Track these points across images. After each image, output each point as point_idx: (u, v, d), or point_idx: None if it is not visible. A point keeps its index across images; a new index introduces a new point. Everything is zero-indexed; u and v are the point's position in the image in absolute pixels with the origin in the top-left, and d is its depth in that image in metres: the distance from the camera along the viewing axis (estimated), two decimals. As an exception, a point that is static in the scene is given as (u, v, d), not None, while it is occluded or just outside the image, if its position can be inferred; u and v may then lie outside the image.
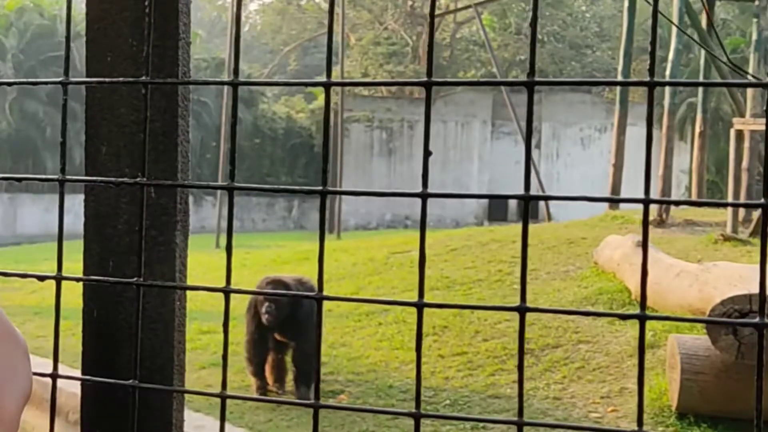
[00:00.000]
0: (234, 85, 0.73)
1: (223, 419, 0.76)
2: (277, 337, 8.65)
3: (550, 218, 24.43)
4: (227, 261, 0.73)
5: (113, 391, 0.86)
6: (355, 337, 10.19)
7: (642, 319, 0.67)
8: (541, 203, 27.94)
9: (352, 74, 39.36)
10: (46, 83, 0.79)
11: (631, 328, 9.61)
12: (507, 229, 16.49)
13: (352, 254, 15.86)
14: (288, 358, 8.75)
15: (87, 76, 0.84)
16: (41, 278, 0.82)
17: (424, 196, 0.70)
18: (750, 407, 0.60)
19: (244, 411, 8.19)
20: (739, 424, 7.15)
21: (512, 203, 35.72)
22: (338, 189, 0.68)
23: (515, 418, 0.71)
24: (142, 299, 0.75)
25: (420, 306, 0.69)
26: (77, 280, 0.79)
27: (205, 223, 33.94)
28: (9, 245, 23.76)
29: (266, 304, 8.35)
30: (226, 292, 0.72)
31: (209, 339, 10.69)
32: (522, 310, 0.66)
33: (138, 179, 0.73)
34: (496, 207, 35.97)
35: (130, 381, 0.74)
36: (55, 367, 0.75)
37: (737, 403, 6.93)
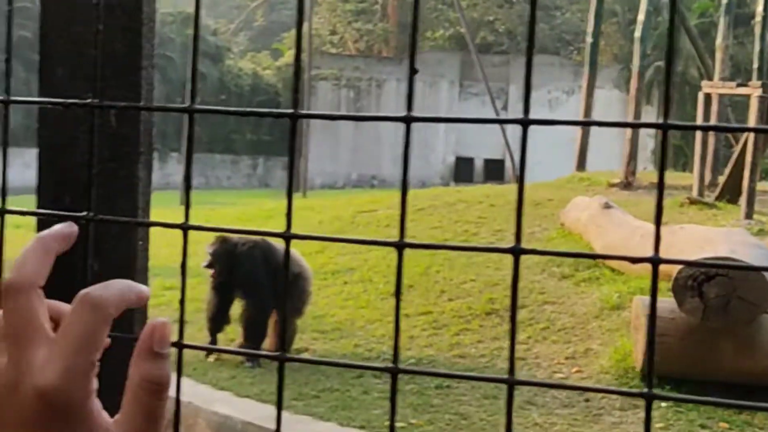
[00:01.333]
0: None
1: (179, 371, 0.69)
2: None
3: (516, 179, 24.46)
4: (185, 196, 0.65)
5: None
6: (321, 296, 10.13)
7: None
8: (508, 164, 27.96)
9: (320, 32, 39.07)
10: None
11: (597, 290, 9.62)
12: (473, 190, 16.48)
13: (318, 213, 15.78)
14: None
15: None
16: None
17: (408, 120, 0.63)
18: (713, 369, 0.54)
19: (207, 368, 8.13)
20: (703, 385, 7.19)
21: (478, 163, 35.75)
22: (307, 112, 0.60)
23: (506, 376, 0.65)
24: (99, 238, 0.68)
25: (400, 246, 0.62)
26: (23, 213, 0.72)
27: (169, 179, 33.70)
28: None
29: (208, 258, 8.35)
30: (185, 228, 0.65)
31: (172, 295, 10.59)
32: (517, 252, 0.60)
33: (89, 101, 0.65)
34: (462, 168, 35.99)
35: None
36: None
37: (701, 365, 6.97)
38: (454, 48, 38.30)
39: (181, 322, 0.71)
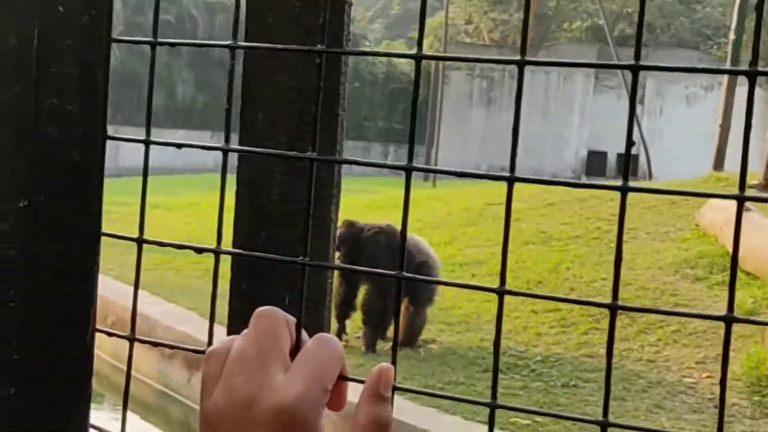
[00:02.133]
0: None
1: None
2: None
3: (651, 176, 24.00)
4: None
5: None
6: (448, 288, 10.17)
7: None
8: (642, 159, 27.44)
9: (456, 21, 38.96)
10: (214, 46, 0.76)
11: (731, 294, 9.41)
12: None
13: (447, 203, 15.81)
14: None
15: (246, 39, 0.80)
16: (199, 251, 0.79)
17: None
18: None
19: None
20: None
21: (611, 158, 35.20)
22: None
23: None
24: (306, 279, 0.72)
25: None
26: (234, 254, 0.76)
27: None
28: (111, 177, 24.21)
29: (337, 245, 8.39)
30: (401, 278, 0.68)
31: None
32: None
33: (309, 153, 0.69)
34: (594, 162, 35.51)
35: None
36: (210, 341, 0.73)
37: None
38: (591, 40, 37.73)
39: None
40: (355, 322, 8.90)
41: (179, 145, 0.77)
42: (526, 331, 9.06)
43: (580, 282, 10.17)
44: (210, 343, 0.75)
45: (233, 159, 0.81)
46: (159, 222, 15.04)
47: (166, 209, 17.25)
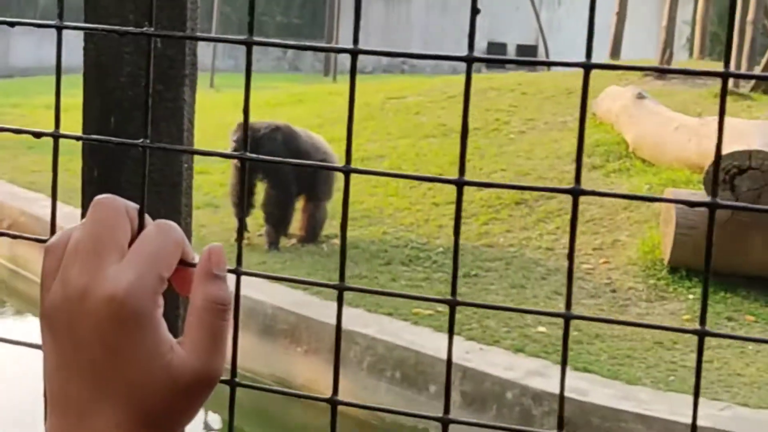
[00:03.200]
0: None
1: (237, 298, 0.71)
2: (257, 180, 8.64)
3: (549, 66, 24.12)
4: (245, 119, 0.65)
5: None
6: (350, 182, 10.15)
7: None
8: (541, 48, 27.58)
9: None
10: None
11: (627, 181, 9.59)
12: (505, 77, 16.29)
13: (347, 97, 15.69)
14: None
15: None
16: (37, 135, 0.74)
17: (470, 60, 0.62)
18: (742, 262, 0.54)
19: (228, 250, 8.21)
20: (731, 279, 7.21)
21: (510, 49, 35.27)
22: (368, 49, 0.60)
23: (562, 311, 0.65)
24: (136, 160, 0.68)
25: (460, 183, 0.62)
26: (77, 138, 0.72)
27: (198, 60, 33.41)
28: (1, 78, 23.46)
29: (231, 144, 8.25)
30: (245, 158, 0.65)
31: (202, 179, 10.65)
32: (576, 192, 0.60)
33: (145, 29, 0.64)
34: (495, 52, 35.52)
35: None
36: (52, 232, 0.69)
37: (730, 259, 6.97)
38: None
39: (239, 250, 0.72)
40: (256, 220, 8.85)
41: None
42: (427, 224, 9.13)
43: (480, 174, 10.25)
44: (52, 235, 0.72)
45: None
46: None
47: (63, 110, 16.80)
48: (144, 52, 0.65)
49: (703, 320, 0.62)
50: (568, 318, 0.66)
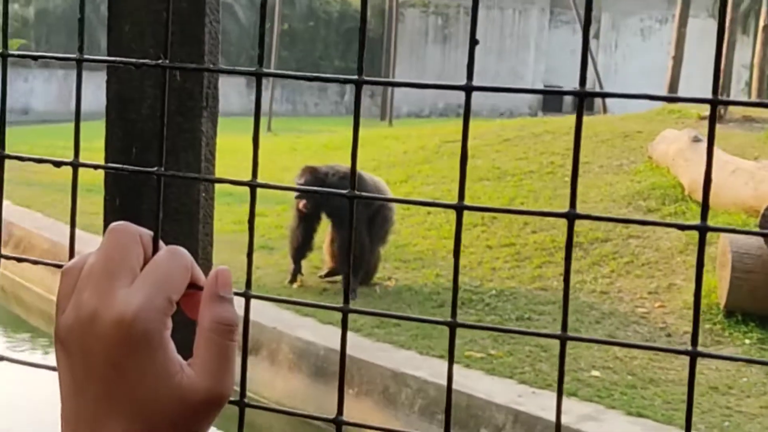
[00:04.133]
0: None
1: (247, 320, 0.73)
2: (330, 226, 8.67)
3: (605, 110, 24.06)
4: (254, 153, 0.68)
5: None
6: (404, 225, 10.19)
7: (702, 230, 0.62)
8: (597, 95, 27.49)
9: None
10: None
11: (683, 225, 9.50)
12: (561, 121, 16.27)
13: (404, 142, 15.78)
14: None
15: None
16: (57, 164, 0.78)
17: (469, 89, 0.64)
18: None
19: (290, 294, 8.27)
20: (788, 324, 7.10)
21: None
22: (373, 79, 0.62)
23: (558, 332, 0.67)
24: (163, 190, 0.71)
25: (459, 208, 0.64)
26: (95, 167, 0.75)
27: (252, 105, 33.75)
28: (64, 122, 23.89)
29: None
30: (252, 186, 0.67)
31: (258, 222, 10.75)
32: (571, 216, 0.61)
33: (160, 61, 0.67)
34: (550, 98, 35.49)
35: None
36: (71, 257, 0.72)
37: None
38: (546, -26, 37.56)
39: (249, 275, 0.75)
40: (310, 262, 8.91)
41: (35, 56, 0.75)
42: (480, 267, 9.11)
43: (534, 216, 10.22)
44: (70, 259, 0.74)
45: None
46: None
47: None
48: (163, 84, 0.68)
49: (695, 341, 0.63)
50: (564, 339, 0.68)
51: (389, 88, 28.95)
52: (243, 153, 13.58)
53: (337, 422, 0.72)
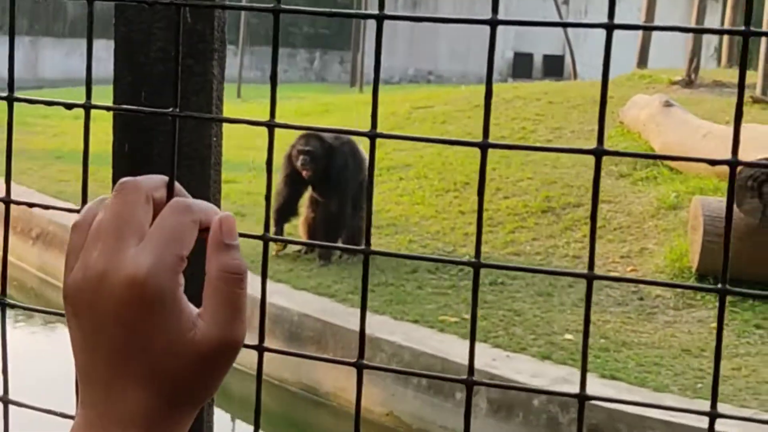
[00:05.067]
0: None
1: (264, 265, 0.72)
2: (312, 193, 8.59)
3: (576, 76, 24.11)
4: (272, 92, 0.66)
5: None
6: (376, 191, 10.17)
7: (589, 278, 0.61)
8: (568, 59, 27.54)
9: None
10: None
11: (654, 190, 9.55)
12: (532, 86, 16.29)
13: (374, 108, 15.72)
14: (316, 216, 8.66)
15: None
16: (69, 106, 0.76)
17: (494, 23, 0.63)
18: None
19: (254, 259, 8.23)
20: (760, 287, 7.16)
21: (537, 59, 35.24)
22: (393, 14, 0.60)
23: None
24: (178, 133, 0.69)
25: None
26: (108, 108, 0.73)
27: (226, 72, 33.57)
28: (30, 89, 23.65)
29: (302, 156, 8.17)
30: (270, 126, 0.65)
31: (229, 189, 10.70)
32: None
33: (174, -1, 0.66)
34: (520, 63, 35.51)
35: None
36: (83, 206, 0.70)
37: (758, 266, 6.92)
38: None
39: (267, 217, 0.73)
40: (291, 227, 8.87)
41: None
42: (453, 232, 9.12)
43: (506, 182, 10.24)
44: (83, 205, 0.73)
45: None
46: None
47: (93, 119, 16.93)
48: (174, 27, 0.67)
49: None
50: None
51: (359, 55, 28.80)
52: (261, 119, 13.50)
53: (358, 366, 0.71)
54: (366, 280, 0.72)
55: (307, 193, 8.65)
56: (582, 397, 0.66)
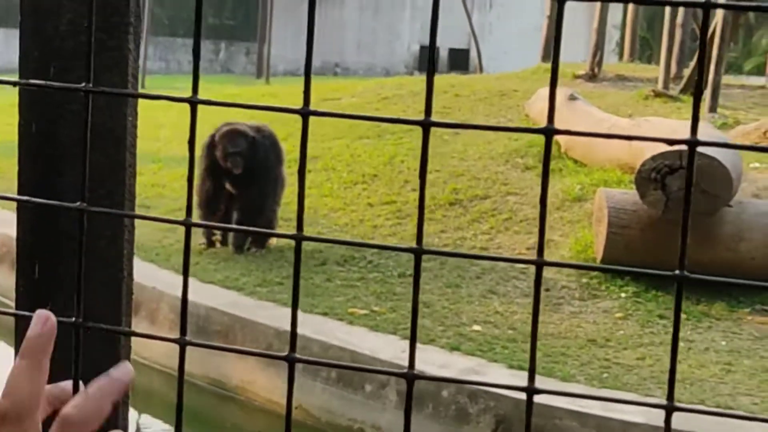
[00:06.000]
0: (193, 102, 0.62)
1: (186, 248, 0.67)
2: (229, 186, 8.40)
3: (481, 70, 24.29)
4: (194, 69, 0.62)
5: (55, 218, 0.75)
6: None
7: (539, 264, 0.59)
8: (473, 52, 27.74)
9: None
10: None
11: (560, 182, 9.66)
12: (438, 79, 16.32)
13: (282, 100, 15.62)
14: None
15: None
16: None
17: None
18: (674, 261, 0.53)
19: (170, 253, 8.12)
20: (662, 278, 7.28)
21: (443, 53, 35.42)
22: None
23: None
24: (90, 110, 0.64)
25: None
26: (13, 83, 0.68)
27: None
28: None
29: (230, 154, 8.10)
30: (192, 102, 0.61)
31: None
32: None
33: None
34: (426, 56, 35.61)
35: (78, 204, 0.64)
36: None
37: (662, 257, 7.04)
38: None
39: (189, 200, 0.69)
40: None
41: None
42: (362, 224, 9.11)
43: (414, 173, 10.25)
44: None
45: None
46: None
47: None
48: (87, -1, 0.62)
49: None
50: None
51: (265, 46, 28.58)
52: (164, 108, 13.24)
53: (290, 359, 0.68)
54: (298, 267, 0.68)
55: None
56: (530, 390, 0.63)
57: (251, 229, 0.74)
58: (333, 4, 35.79)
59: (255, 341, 6.67)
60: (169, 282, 7.38)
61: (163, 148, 12.27)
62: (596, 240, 7.81)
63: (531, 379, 0.64)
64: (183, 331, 0.70)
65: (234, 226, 9.08)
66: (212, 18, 36.87)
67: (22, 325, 0.69)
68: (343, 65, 35.01)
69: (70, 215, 0.66)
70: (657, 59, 14.23)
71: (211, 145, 8.23)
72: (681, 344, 6.64)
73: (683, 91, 12.83)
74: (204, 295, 7.17)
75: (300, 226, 0.68)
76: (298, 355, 0.67)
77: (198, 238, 8.41)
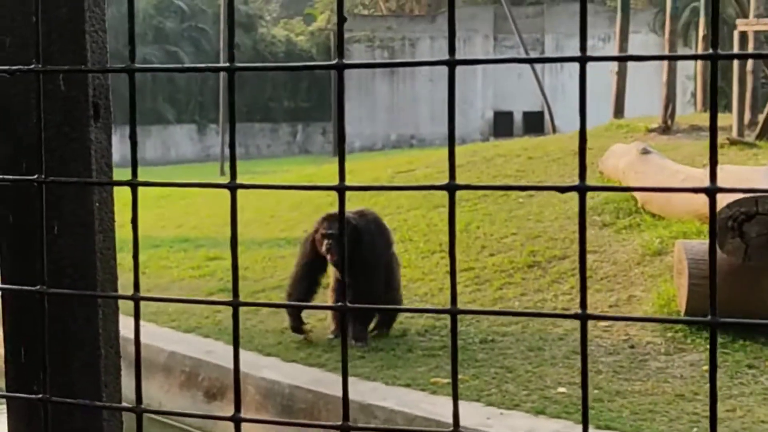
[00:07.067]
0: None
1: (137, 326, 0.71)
2: (338, 276, 7.99)
3: (555, 130, 24.27)
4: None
5: (33, 301, 0.80)
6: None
7: (583, 318, 0.62)
8: (546, 115, 27.75)
9: (351, -6, 38.83)
10: None
11: (638, 237, 9.57)
12: (511, 144, 16.40)
13: (357, 175, 15.79)
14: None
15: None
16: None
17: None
18: (757, 309, 0.55)
19: (252, 335, 8.20)
20: (747, 326, 7.14)
21: (517, 117, 35.49)
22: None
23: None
24: (56, 202, 0.69)
25: (453, 312, 0.64)
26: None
27: (210, 151, 33.81)
28: None
29: (326, 241, 7.61)
30: (133, 185, 0.66)
31: (216, 265, 10.70)
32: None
33: (33, 66, 0.66)
34: (501, 122, 35.78)
35: (38, 287, 0.68)
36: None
37: (744, 305, 6.92)
38: (487, 2, 37.98)
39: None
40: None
41: None
42: (442, 293, 9.10)
43: (491, 239, 10.25)
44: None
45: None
46: None
47: None
48: (49, 95, 0.67)
49: (583, 304, 0.62)
50: (454, 313, 0.67)
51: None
52: (193, 197, 13.51)
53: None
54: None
55: (331, 278, 8.16)
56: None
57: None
58: (404, 78, 36.19)
59: (340, 417, 6.67)
60: (253, 363, 7.45)
61: (243, 231, 12.46)
62: (678, 293, 7.70)
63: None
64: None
65: (277, 302, 8.87)
66: (287, 101, 37.56)
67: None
68: (419, 137, 35.28)
69: (50, 300, 0.70)
70: (731, 107, 14.08)
71: (312, 239, 7.89)
72: (758, 396, 6.48)
73: (759, 137, 12.66)
74: (287, 373, 7.22)
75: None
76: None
77: (286, 328, 8.21)
